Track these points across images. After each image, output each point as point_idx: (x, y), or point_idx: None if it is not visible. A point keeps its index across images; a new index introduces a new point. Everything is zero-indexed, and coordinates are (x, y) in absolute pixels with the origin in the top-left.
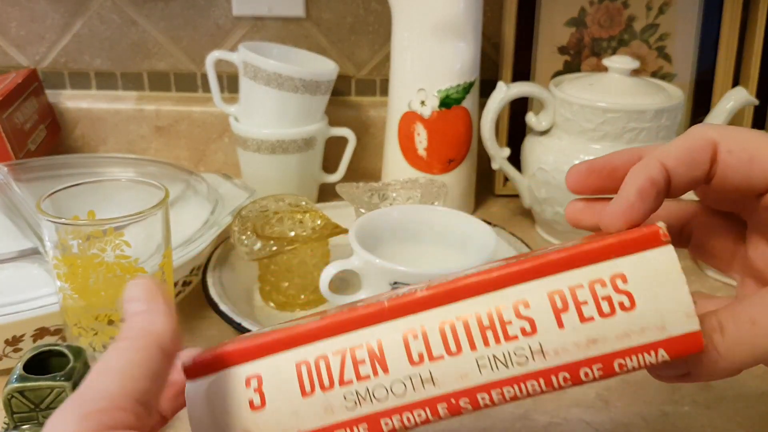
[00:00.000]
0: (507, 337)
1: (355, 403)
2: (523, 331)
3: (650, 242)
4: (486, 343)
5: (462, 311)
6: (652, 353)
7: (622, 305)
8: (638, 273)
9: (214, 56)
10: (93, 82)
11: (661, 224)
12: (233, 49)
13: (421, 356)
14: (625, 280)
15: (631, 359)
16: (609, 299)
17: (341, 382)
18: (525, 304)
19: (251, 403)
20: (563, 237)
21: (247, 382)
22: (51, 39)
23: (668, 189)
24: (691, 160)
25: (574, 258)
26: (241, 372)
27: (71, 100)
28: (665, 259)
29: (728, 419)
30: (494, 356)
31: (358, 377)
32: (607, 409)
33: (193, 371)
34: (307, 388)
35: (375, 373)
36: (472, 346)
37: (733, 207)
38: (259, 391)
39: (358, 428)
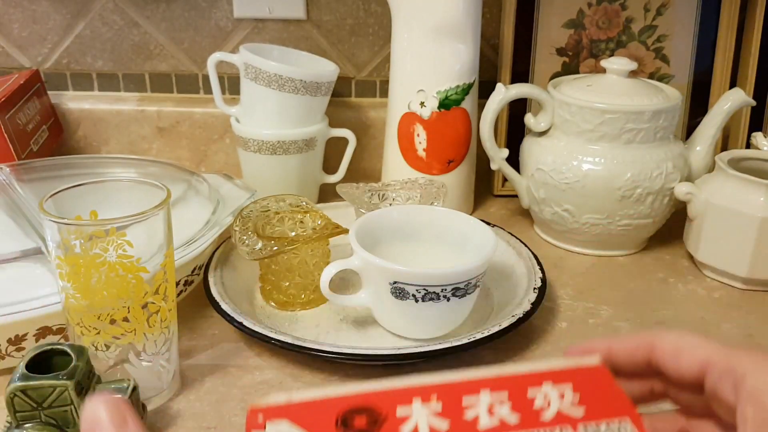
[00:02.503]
0: None
1: None
2: None
3: None
4: None
5: None
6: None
7: None
8: None
9: (215, 58)
10: (95, 84)
11: None
12: (234, 51)
13: None
14: None
15: None
16: None
17: None
18: None
19: None
20: (561, 237)
21: None
22: (53, 40)
23: (610, 362)
24: (632, 348)
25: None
26: None
27: (73, 101)
28: None
29: None
30: None
31: None
32: None
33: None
34: None
35: None
36: None
37: (704, 410)
38: None
39: None
